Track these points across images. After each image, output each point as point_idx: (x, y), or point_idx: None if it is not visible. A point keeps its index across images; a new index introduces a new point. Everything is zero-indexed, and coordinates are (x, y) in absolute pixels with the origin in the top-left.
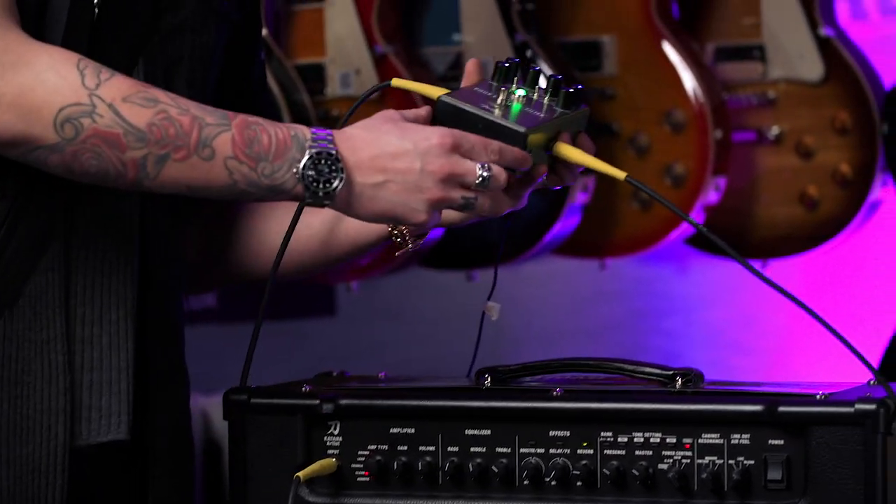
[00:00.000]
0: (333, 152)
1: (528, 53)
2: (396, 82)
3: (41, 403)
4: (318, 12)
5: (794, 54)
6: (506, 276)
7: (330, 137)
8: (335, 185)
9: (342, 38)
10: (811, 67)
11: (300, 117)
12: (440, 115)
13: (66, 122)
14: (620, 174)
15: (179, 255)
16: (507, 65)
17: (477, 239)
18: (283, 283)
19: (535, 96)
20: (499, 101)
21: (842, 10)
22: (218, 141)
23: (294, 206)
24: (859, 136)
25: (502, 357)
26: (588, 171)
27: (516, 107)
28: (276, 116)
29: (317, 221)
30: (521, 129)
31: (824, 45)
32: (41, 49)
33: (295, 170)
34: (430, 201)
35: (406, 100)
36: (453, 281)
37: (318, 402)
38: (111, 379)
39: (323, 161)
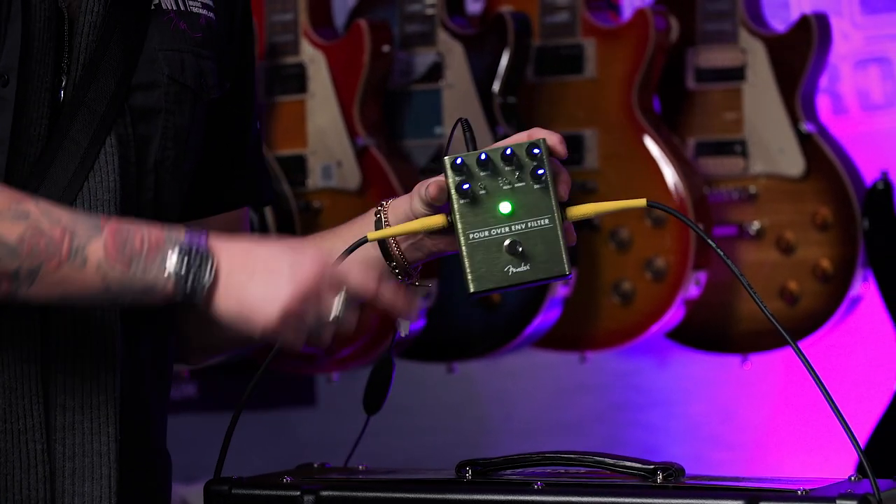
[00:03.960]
0: (203, 246)
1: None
2: (372, 235)
3: (20, 493)
4: (300, 104)
5: (776, 149)
6: (486, 368)
7: (204, 236)
8: (205, 280)
9: (323, 130)
10: (792, 163)
11: (281, 208)
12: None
13: None
14: (641, 202)
15: (161, 337)
16: (459, 161)
17: (457, 331)
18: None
19: (512, 186)
20: (506, 241)
21: (823, 106)
22: (90, 248)
23: None
24: (840, 232)
25: (483, 449)
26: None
27: (509, 213)
28: (267, 188)
29: None
30: (567, 272)
31: (805, 141)
32: None
33: (166, 265)
34: (286, 309)
35: (388, 188)
36: (433, 372)
37: (299, 493)
38: (93, 464)
39: (193, 254)
